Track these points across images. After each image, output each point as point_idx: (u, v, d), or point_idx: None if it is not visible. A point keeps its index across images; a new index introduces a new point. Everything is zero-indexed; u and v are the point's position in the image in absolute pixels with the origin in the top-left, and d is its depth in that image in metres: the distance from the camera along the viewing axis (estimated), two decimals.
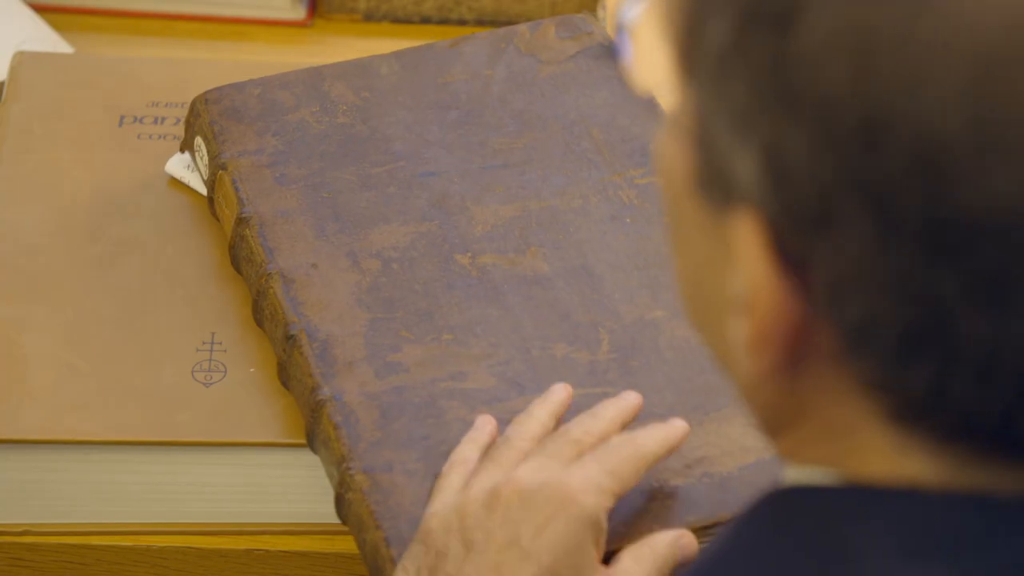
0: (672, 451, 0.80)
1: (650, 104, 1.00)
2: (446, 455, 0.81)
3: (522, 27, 1.05)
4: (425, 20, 1.26)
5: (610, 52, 1.04)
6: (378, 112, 0.99)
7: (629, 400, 0.82)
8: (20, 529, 0.89)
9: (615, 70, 1.03)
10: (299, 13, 1.26)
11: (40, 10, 1.21)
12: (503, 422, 0.83)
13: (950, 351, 0.48)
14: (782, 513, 0.54)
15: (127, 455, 0.88)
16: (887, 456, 0.52)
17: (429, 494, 0.79)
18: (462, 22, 1.25)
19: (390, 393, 0.85)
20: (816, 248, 0.49)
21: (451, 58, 1.03)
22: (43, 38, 1.18)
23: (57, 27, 1.20)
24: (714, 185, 0.52)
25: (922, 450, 0.51)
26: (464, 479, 0.78)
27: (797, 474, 0.54)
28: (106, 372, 0.90)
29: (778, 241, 0.50)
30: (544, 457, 0.77)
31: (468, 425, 0.83)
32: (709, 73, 0.50)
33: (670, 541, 0.77)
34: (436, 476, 0.80)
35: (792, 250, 0.49)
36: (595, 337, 0.88)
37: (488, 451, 0.80)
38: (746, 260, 0.50)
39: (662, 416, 0.83)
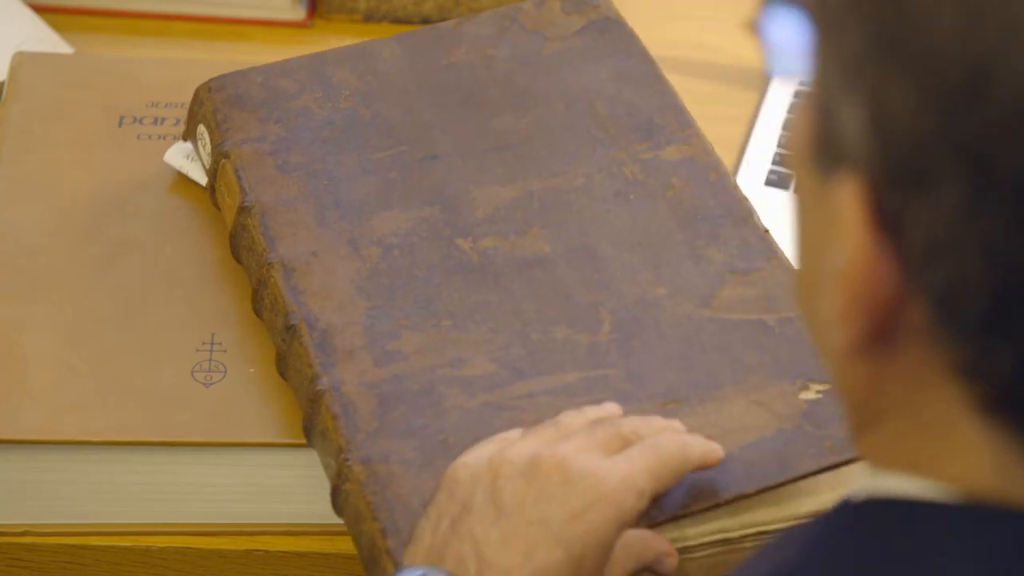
0: (706, 467, 0.79)
1: (656, 75, 1.00)
2: (443, 444, 0.81)
3: (527, 3, 1.05)
4: (425, 20, 1.26)
5: (616, 25, 1.03)
6: (381, 96, 0.99)
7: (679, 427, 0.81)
8: (20, 529, 0.89)
9: (622, 42, 1.02)
10: (299, 13, 1.26)
11: (40, 10, 1.21)
12: (503, 408, 0.83)
13: None
14: (866, 525, 0.53)
15: (127, 455, 0.87)
16: (981, 459, 0.51)
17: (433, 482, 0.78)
18: None
19: (389, 382, 0.84)
20: (912, 209, 0.49)
21: (455, 39, 1.02)
22: (43, 38, 1.18)
23: (57, 27, 1.19)
24: (825, 149, 0.52)
25: (1016, 454, 0.50)
26: (501, 446, 0.77)
27: (881, 482, 0.53)
28: (106, 372, 0.90)
29: (877, 202, 0.50)
30: (590, 441, 0.76)
31: (466, 413, 0.83)
32: (828, 25, 0.51)
33: (648, 540, 0.77)
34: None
35: (889, 211, 0.49)
36: (596, 318, 0.88)
37: (533, 428, 0.79)
38: (845, 224, 0.50)
39: (662, 396, 0.83)
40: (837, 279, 0.51)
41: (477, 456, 0.76)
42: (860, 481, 0.55)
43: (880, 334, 0.51)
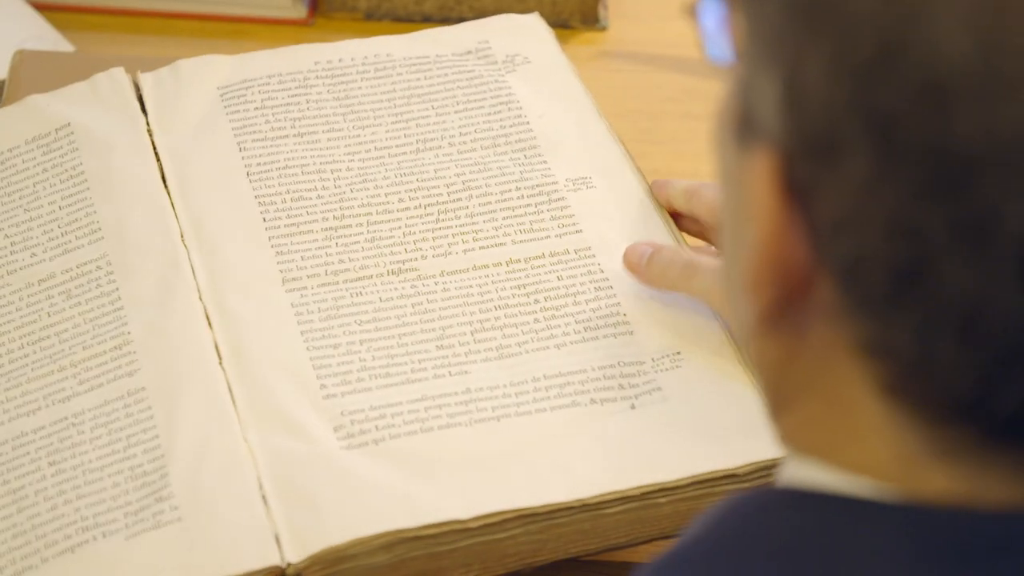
0: None
1: None
2: None
3: None
4: (427, 19, 1.26)
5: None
6: None
7: None
8: None
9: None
10: (300, 12, 1.26)
11: (41, 8, 1.21)
12: None
13: (932, 302, 0.48)
14: (773, 515, 0.53)
15: None
16: (884, 446, 0.51)
17: None
18: (463, 21, 1.25)
19: None
20: (822, 181, 0.49)
21: None
22: (44, 36, 1.18)
23: (58, 25, 1.20)
24: (744, 124, 0.52)
25: (920, 441, 0.51)
26: None
27: (796, 470, 0.54)
28: None
29: (789, 175, 0.50)
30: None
31: None
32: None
33: None
34: None
35: (800, 184, 0.50)
36: None
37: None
38: (758, 196, 0.51)
39: None
40: (749, 250, 0.52)
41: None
42: (782, 468, 0.55)
43: (789, 307, 0.52)
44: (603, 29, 1.25)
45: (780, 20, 0.50)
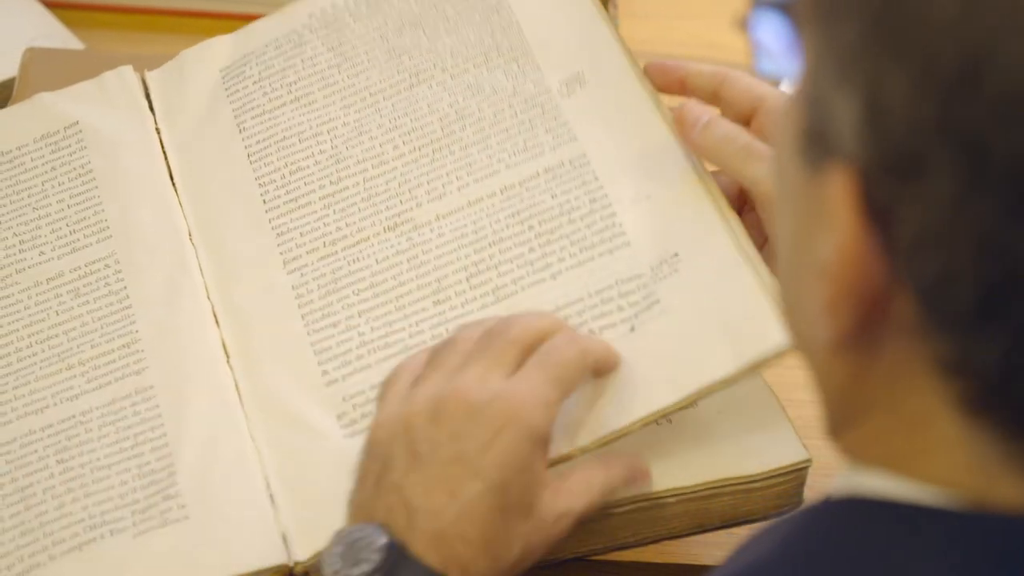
0: (607, 370, 0.79)
1: None
2: None
3: None
4: None
5: None
6: None
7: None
8: None
9: None
10: None
11: (51, 6, 1.21)
12: None
13: (1022, 320, 0.48)
14: (843, 524, 0.53)
15: None
16: (960, 459, 0.51)
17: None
18: None
19: None
20: (904, 199, 0.49)
21: None
22: (54, 34, 1.18)
23: (68, 23, 1.20)
24: (816, 142, 0.52)
25: (995, 454, 0.50)
26: (409, 385, 0.78)
27: (861, 479, 0.54)
28: None
29: (867, 194, 0.50)
30: (487, 362, 0.76)
31: None
32: (822, 17, 0.51)
33: (623, 465, 0.78)
34: (382, 383, 0.80)
35: (880, 202, 0.50)
36: None
37: (432, 354, 0.79)
38: (834, 215, 0.51)
39: None
40: (824, 271, 0.51)
41: (388, 412, 0.77)
42: (841, 479, 0.55)
43: (866, 328, 0.51)
44: None
45: (858, 38, 0.49)
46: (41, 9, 1.20)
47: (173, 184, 0.96)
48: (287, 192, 0.94)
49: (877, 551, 0.51)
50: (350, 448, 0.81)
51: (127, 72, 1.02)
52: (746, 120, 0.86)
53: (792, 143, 0.54)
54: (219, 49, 1.03)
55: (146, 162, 0.97)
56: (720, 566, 0.56)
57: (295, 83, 0.99)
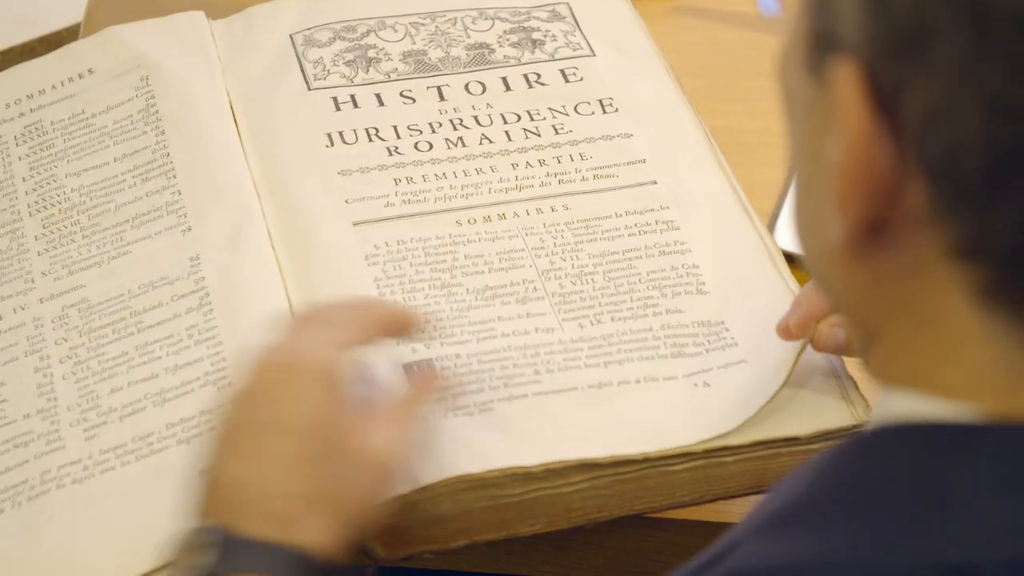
0: (405, 331, 0.80)
1: None
2: None
3: None
4: None
5: None
6: None
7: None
8: None
9: None
10: None
11: None
12: None
13: None
14: (875, 456, 0.53)
15: None
16: (981, 357, 0.51)
17: None
18: None
19: None
20: (910, 78, 0.49)
21: None
22: None
23: None
24: (819, 43, 0.52)
25: (1016, 349, 0.50)
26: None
27: (891, 404, 0.54)
28: None
29: (874, 80, 0.50)
30: (280, 337, 0.76)
31: None
32: None
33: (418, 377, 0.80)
34: None
35: (886, 85, 0.50)
36: None
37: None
38: (842, 109, 0.51)
39: None
40: (835, 168, 0.51)
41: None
42: (875, 410, 0.55)
43: (877, 224, 0.51)
44: None
45: None
46: None
47: (238, 132, 0.97)
48: (357, 161, 0.95)
49: (909, 481, 0.52)
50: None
51: (199, 16, 1.03)
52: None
53: (796, 58, 0.54)
54: (288, 13, 1.04)
55: (216, 108, 0.98)
56: (755, 508, 0.57)
57: (368, 77, 1.01)
